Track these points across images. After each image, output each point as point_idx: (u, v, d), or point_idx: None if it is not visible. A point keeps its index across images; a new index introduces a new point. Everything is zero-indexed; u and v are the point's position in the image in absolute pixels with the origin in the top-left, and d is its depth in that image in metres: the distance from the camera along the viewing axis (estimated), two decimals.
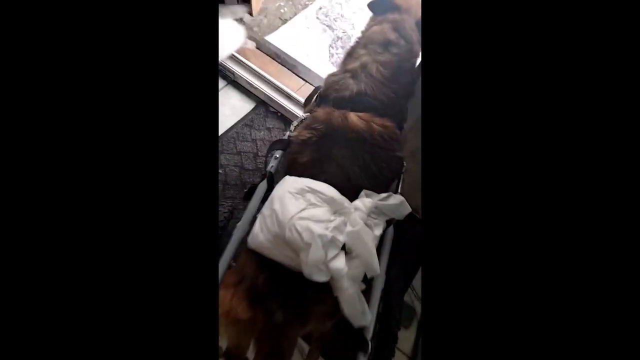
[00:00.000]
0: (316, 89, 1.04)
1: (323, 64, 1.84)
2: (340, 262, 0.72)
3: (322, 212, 0.76)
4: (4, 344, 0.35)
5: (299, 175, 0.84)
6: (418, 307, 1.30)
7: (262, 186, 0.94)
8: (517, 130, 0.38)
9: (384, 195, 0.84)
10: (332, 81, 0.96)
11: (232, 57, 1.66)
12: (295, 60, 1.77)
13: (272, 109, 1.63)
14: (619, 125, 0.35)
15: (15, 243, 0.36)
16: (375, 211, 0.82)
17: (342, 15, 2.08)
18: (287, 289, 0.74)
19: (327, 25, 2.02)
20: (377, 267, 0.75)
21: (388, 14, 0.99)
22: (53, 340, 0.36)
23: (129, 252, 0.39)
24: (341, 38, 1.98)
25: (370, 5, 1.04)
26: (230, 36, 1.71)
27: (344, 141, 0.87)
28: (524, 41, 0.38)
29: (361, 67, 0.92)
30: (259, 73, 1.62)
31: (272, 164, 0.98)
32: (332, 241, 0.72)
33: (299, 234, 0.71)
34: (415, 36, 0.96)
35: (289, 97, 1.59)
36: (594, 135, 0.36)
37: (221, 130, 1.56)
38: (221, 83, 1.69)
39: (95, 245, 0.38)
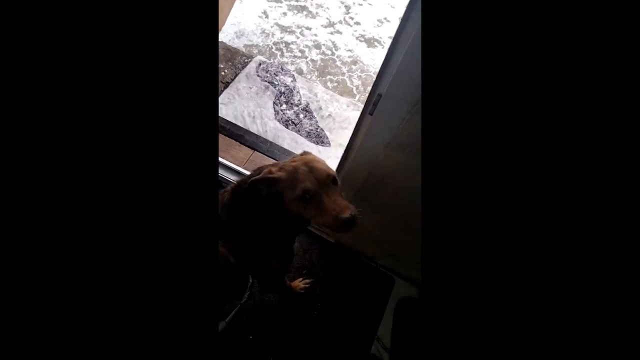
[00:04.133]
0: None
1: (271, 123, 1.91)
2: None
3: None
4: (4, 343, 0.36)
5: None
6: (386, 357, 1.41)
7: None
8: (516, 132, 0.38)
9: None
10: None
11: None
12: (242, 129, 1.84)
13: (224, 186, 1.71)
14: (619, 125, 0.35)
15: (14, 238, 0.36)
16: None
17: (281, 69, 2.14)
18: None
19: (268, 82, 2.08)
20: None
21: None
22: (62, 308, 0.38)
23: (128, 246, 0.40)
24: (283, 93, 2.04)
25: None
26: None
27: None
28: (524, 45, 0.38)
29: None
30: None
31: None
32: None
33: None
34: None
35: (238, 173, 1.67)
36: (594, 138, 0.36)
37: None
38: None
39: (95, 240, 0.39)
